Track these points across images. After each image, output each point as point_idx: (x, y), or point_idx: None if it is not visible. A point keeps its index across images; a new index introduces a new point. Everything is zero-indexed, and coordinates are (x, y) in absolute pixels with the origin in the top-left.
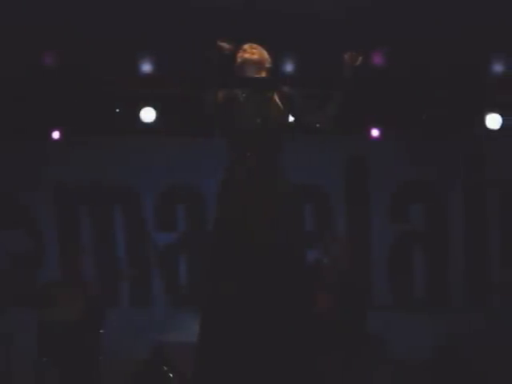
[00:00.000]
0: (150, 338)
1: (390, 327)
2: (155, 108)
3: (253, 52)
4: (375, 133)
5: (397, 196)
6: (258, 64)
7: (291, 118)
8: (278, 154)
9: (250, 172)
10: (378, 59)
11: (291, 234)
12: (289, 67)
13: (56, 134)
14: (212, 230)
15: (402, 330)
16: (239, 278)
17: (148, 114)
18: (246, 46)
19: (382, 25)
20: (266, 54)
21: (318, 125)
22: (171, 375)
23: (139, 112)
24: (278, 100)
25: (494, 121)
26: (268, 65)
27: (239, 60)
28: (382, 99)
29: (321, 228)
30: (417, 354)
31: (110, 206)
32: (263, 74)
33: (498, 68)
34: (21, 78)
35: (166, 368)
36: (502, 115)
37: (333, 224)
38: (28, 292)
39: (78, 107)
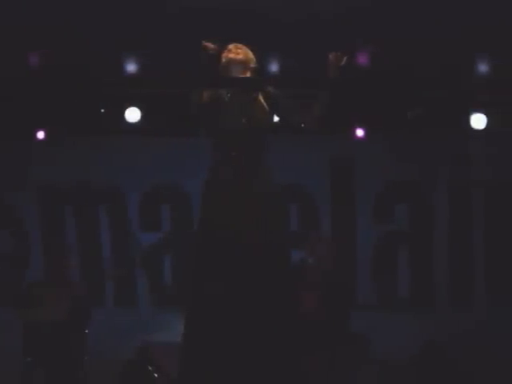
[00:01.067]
0: (135, 338)
1: (375, 327)
2: (140, 108)
3: (238, 52)
4: (360, 133)
5: (382, 196)
6: (243, 64)
7: (276, 118)
8: (263, 153)
9: (235, 172)
10: (362, 59)
11: (275, 234)
12: (274, 67)
13: (41, 134)
14: (196, 230)
15: (386, 329)
16: (224, 278)
17: (133, 114)
18: (231, 46)
19: (367, 25)
20: (250, 54)
21: (303, 125)
22: (156, 375)
23: (124, 112)
24: (262, 100)
25: (478, 121)
26: (253, 65)
27: (224, 60)
28: (366, 99)
29: (306, 228)
30: (401, 354)
31: (95, 206)
32: (248, 74)
33: (482, 68)
34: (6, 78)
35: (150, 368)
36: (486, 115)
37: (318, 224)
38: (13, 292)
39: (63, 107)
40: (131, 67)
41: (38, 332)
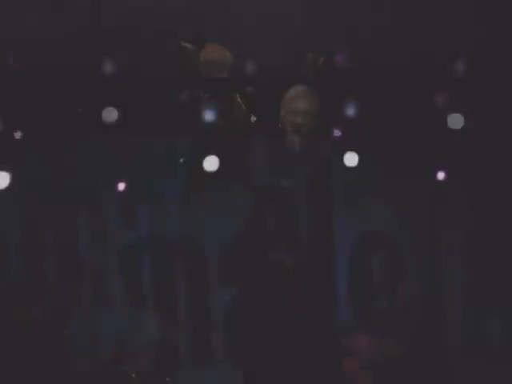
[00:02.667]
0: (112, 338)
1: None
2: (117, 108)
3: (215, 52)
4: (337, 133)
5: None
6: (221, 64)
7: (253, 118)
8: (243, 153)
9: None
10: (340, 59)
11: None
12: (250, 67)
13: (18, 135)
14: None
15: None
16: None
17: (110, 114)
18: (209, 47)
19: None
20: (227, 54)
21: (279, 125)
22: (133, 375)
23: (101, 112)
24: (240, 100)
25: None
26: (230, 65)
27: (202, 60)
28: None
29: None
30: None
31: (73, 206)
32: (225, 74)
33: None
34: None
35: (127, 367)
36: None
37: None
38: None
39: (40, 108)
40: (108, 68)
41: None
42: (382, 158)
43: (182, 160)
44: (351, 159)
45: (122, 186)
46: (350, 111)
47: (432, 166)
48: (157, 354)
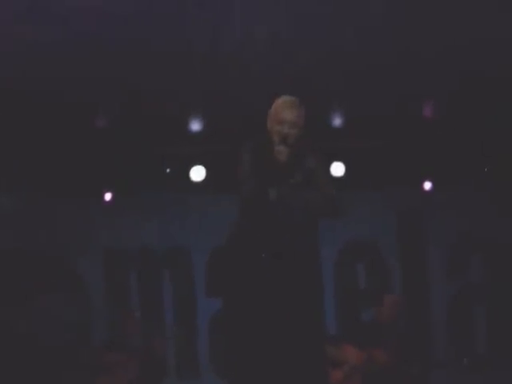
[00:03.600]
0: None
1: None
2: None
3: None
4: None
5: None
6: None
7: None
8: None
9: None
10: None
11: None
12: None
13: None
14: None
15: None
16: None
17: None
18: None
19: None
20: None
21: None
22: None
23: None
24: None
25: None
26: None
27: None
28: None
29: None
30: None
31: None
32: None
33: None
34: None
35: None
36: None
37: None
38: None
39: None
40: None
41: None
42: (369, 168)
43: (168, 170)
44: (338, 169)
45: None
46: (337, 122)
47: (419, 177)
48: (142, 363)
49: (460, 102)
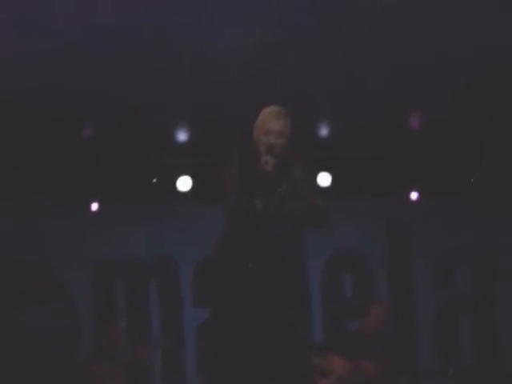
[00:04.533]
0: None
1: None
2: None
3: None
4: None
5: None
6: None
7: None
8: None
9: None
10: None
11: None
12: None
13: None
14: None
15: None
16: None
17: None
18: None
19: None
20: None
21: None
22: None
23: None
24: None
25: None
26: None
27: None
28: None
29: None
30: None
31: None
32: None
33: None
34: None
35: None
36: None
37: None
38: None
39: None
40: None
41: None
42: (355, 178)
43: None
44: (324, 179)
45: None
46: (323, 132)
47: (406, 187)
48: (129, 374)
49: (447, 112)
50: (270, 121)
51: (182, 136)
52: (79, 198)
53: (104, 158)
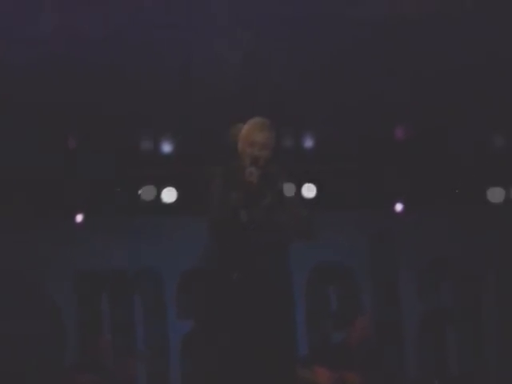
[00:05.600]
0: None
1: None
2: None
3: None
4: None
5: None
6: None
7: None
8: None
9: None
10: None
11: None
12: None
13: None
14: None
15: None
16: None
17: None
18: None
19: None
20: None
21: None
22: None
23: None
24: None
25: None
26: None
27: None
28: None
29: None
30: None
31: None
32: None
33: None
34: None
35: None
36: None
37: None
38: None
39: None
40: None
41: None
42: (340, 190)
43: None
44: (309, 191)
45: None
46: (308, 143)
47: (391, 198)
48: None
49: (432, 123)
50: (255, 133)
51: (166, 147)
52: (64, 209)
53: (88, 169)
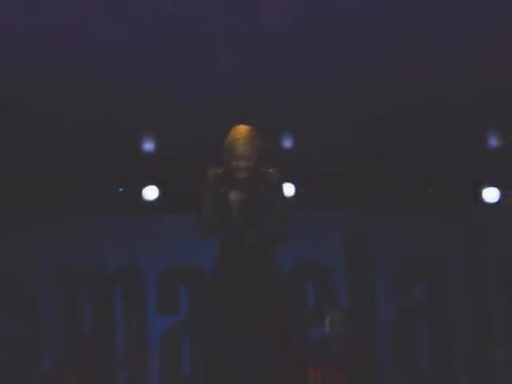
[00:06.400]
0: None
1: None
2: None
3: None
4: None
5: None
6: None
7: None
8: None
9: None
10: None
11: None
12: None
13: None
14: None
15: None
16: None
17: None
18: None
19: None
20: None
21: None
22: None
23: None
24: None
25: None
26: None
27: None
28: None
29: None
30: None
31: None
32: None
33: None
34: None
35: None
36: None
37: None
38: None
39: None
40: (149, 146)
41: None
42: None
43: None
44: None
45: None
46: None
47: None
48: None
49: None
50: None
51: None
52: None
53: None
